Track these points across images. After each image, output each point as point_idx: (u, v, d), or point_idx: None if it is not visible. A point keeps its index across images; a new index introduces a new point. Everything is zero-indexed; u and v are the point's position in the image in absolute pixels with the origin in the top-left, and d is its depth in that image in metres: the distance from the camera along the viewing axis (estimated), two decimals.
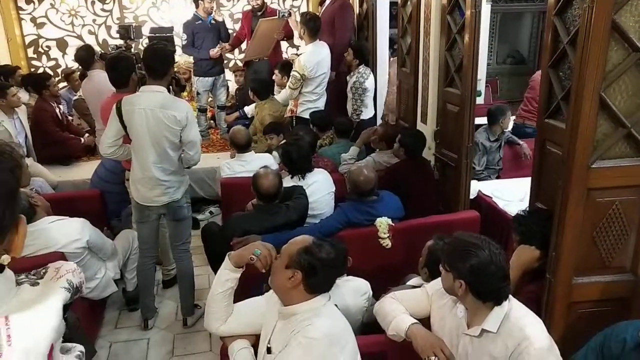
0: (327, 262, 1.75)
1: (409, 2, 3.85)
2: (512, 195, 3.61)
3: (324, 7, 5.03)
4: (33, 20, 6.34)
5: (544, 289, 2.12)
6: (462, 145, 3.27)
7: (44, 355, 0.71)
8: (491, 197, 3.69)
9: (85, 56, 4.21)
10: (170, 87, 3.23)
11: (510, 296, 1.75)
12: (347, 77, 4.70)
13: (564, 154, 2.00)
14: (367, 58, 4.75)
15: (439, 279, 1.88)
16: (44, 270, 0.83)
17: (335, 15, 4.84)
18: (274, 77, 4.97)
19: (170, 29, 5.20)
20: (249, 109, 5.03)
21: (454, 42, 3.30)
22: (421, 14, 3.64)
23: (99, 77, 4.13)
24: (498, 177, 4.34)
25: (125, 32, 4.72)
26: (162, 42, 3.26)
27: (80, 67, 5.07)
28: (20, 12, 6.28)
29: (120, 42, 4.93)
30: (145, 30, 6.10)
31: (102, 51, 5.60)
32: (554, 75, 2.19)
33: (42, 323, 0.72)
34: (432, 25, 3.51)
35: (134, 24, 5.23)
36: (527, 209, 2.38)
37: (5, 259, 0.75)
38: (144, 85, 2.90)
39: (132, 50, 4.71)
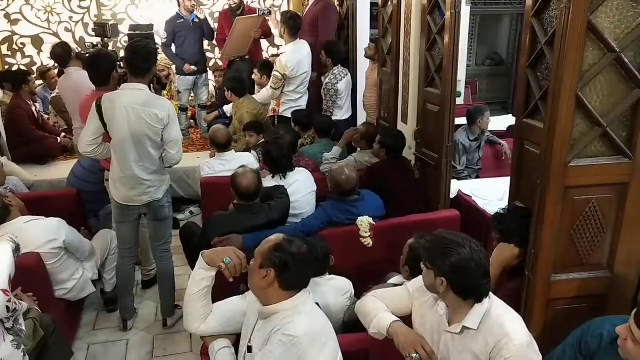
0: (299, 256, 1.75)
1: (389, 3, 3.87)
2: (491, 194, 3.65)
3: (307, 7, 5.02)
4: (7, 16, 6.18)
5: (523, 286, 2.15)
6: (442, 144, 3.30)
7: (4, 283, 0.89)
8: (471, 197, 3.73)
9: (62, 53, 4.13)
10: (151, 85, 3.18)
11: (491, 293, 1.77)
12: (322, 78, 4.70)
13: (542, 152, 2.04)
14: (341, 58, 4.72)
15: (420, 277, 1.89)
16: None
17: (319, 16, 4.83)
18: (253, 76, 4.94)
19: (151, 27, 5.14)
20: (228, 108, 4.99)
21: (434, 42, 3.33)
22: (402, 15, 3.66)
23: (77, 74, 4.07)
24: (477, 177, 4.39)
25: (102, 30, 4.64)
26: (144, 39, 3.21)
27: (56, 64, 4.98)
28: None
29: (97, 40, 4.85)
30: (123, 28, 6.03)
31: (79, 49, 5.51)
32: (532, 76, 2.23)
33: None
34: (412, 26, 3.54)
35: (110, 22, 5.16)
36: (506, 208, 2.41)
37: None
38: (125, 83, 2.85)
39: (110, 48, 4.64)
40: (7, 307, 0.82)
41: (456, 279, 1.70)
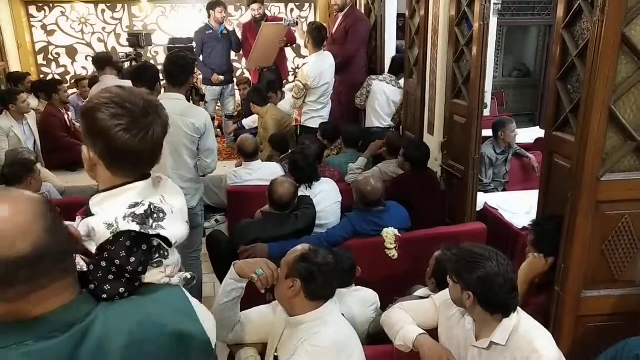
0: (324, 266, 1.76)
1: (416, 14, 3.88)
2: (518, 207, 3.59)
3: (338, 21, 5.04)
4: (44, 27, 6.41)
5: (552, 301, 2.11)
6: (469, 156, 3.28)
7: (186, 216, 1.12)
8: (497, 210, 3.68)
9: (103, 58, 4.27)
10: (190, 96, 3.26)
11: (519, 308, 1.74)
12: None
13: (573, 166, 2.01)
14: (395, 69, 4.70)
15: (447, 290, 1.87)
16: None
17: (350, 28, 4.87)
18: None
19: (190, 40, 5.25)
20: (247, 122, 5.05)
21: (461, 54, 3.32)
22: (429, 26, 3.67)
23: (112, 82, 4.17)
24: (504, 190, 4.33)
25: (136, 39, 4.77)
26: (183, 50, 3.29)
27: (94, 71, 5.13)
28: (31, 19, 6.35)
29: (130, 49, 4.97)
30: (156, 39, 6.19)
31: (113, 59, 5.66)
32: (562, 88, 2.20)
33: (179, 199, 1.13)
34: (439, 37, 3.54)
35: (144, 32, 5.29)
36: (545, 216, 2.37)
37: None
38: (163, 93, 2.92)
39: (142, 58, 4.75)
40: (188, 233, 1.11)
41: (483, 293, 1.69)
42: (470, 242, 1.93)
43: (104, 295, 0.99)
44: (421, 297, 2.24)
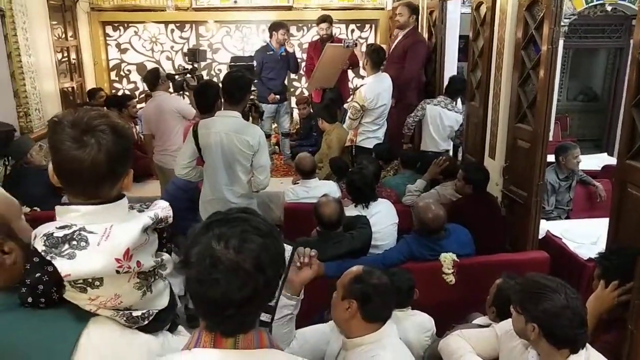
0: (380, 287, 1.75)
1: (480, 36, 3.84)
2: (583, 237, 3.42)
3: (397, 39, 5.06)
4: (118, 45, 6.79)
5: (625, 340, 1.99)
6: (532, 182, 3.17)
7: (120, 253, 1.04)
8: (561, 238, 3.53)
9: (154, 75, 4.43)
10: (250, 113, 3.37)
11: (588, 345, 1.66)
12: None
13: None
14: (453, 92, 4.62)
15: (509, 320, 1.81)
16: (151, 204, 1.20)
17: (408, 50, 4.88)
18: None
19: (251, 58, 5.42)
20: None
21: (527, 77, 3.24)
22: (493, 49, 3.61)
23: (165, 97, 4.31)
24: (567, 218, 4.16)
25: (193, 55, 4.98)
26: (241, 69, 3.42)
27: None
28: (107, 38, 6.74)
29: (189, 65, 5.20)
30: (219, 57, 6.44)
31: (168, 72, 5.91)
32: (637, 115, 2.11)
33: (125, 234, 1.06)
34: (504, 60, 3.47)
35: (199, 48, 5.49)
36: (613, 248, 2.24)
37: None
38: (220, 110, 3.03)
39: (197, 72, 4.93)
40: (117, 271, 1.04)
41: (549, 326, 1.62)
42: (532, 272, 1.87)
43: (19, 298, 1.06)
44: (480, 326, 2.18)
